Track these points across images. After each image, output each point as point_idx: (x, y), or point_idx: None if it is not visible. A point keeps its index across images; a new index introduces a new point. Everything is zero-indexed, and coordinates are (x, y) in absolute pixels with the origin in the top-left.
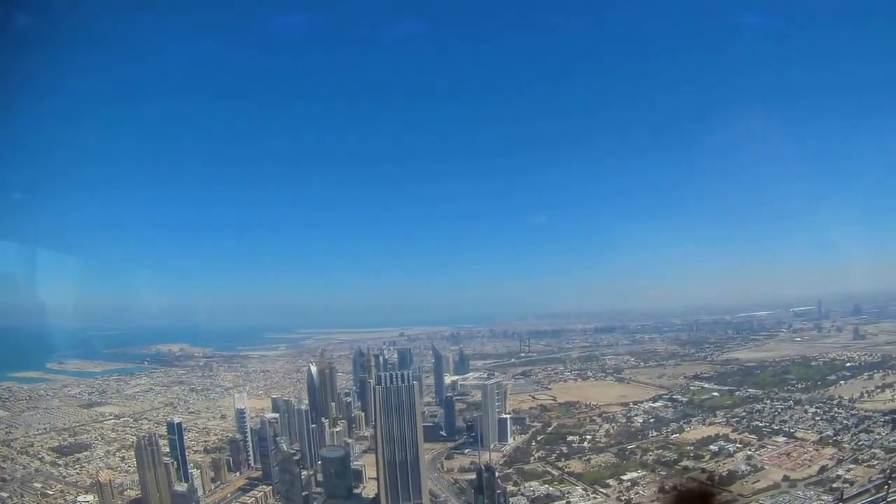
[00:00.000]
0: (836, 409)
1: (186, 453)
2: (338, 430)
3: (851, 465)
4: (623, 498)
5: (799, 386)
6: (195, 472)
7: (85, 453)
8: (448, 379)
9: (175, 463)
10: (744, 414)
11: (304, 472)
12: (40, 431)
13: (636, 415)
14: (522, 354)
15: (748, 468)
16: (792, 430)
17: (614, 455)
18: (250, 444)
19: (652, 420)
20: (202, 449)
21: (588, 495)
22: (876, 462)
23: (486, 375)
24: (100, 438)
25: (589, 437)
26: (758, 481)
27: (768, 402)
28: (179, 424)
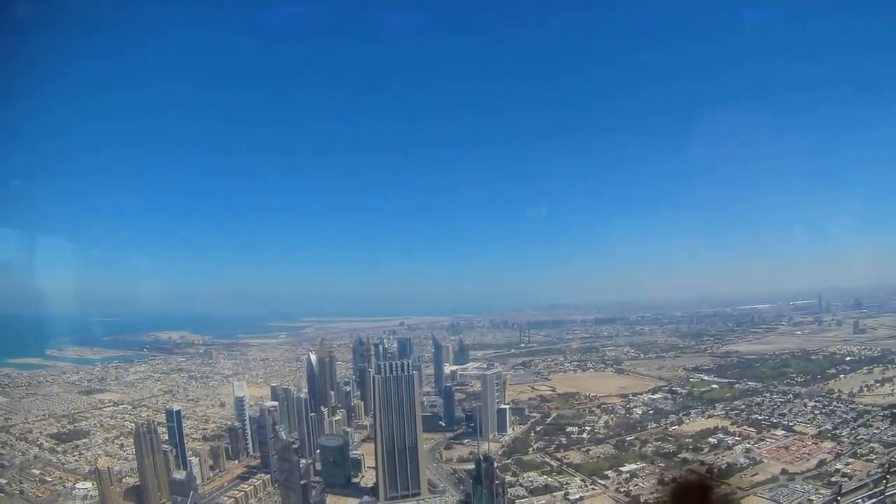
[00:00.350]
0: (835, 403)
1: (185, 441)
2: (337, 418)
3: (850, 460)
4: (622, 490)
5: (798, 379)
6: (194, 460)
7: (84, 440)
8: (448, 369)
9: (174, 450)
10: (743, 407)
11: (303, 461)
12: (39, 418)
13: (635, 406)
14: (522, 345)
15: (747, 461)
16: (791, 424)
17: (613, 446)
18: (249, 432)
19: (651, 412)
20: (201, 437)
21: (587, 486)
22: (875, 456)
23: (485, 366)
24: (99, 425)
25: (588, 428)
26: (756, 474)
27: (768, 395)
28: (178, 412)
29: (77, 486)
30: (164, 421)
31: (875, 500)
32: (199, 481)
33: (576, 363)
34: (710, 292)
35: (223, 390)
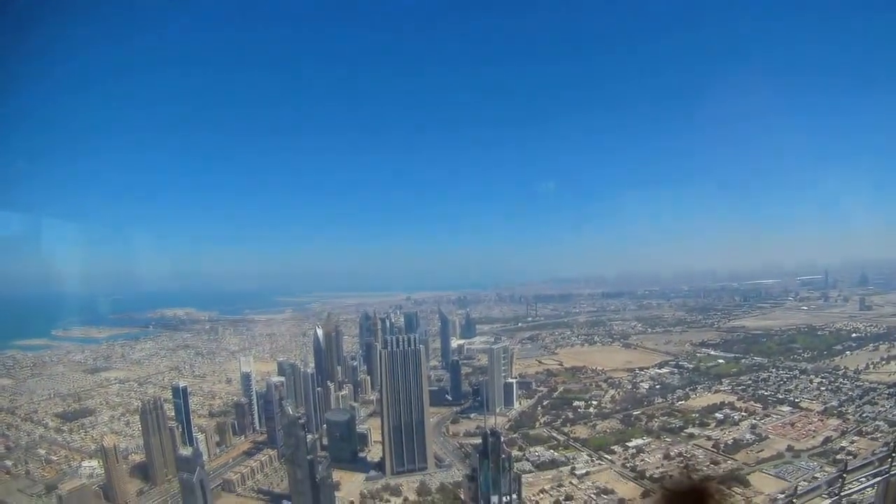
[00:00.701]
0: (841, 380)
1: (191, 417)
2: (343, 393)
3: (855, 437)
4: (628, 465)
5: (805, 355)
6: (200, 436)
7: (89, 418)
8: (454, 343)
9: (180, 427)
10: (749, 382)
11: (310, 436)
12: (45, 398)
13: (642, 381)
14: (529, 319)
15: (753, 437)
16: (797, 400)
17: (620, 421)
18: (255, 408)
19: (658, 386)
20: (207, 413)
21: (593, 461)
22: (880, 435)
23: (492, 339)
24: (104, 403)
25: (595, 402)
26: (762, 451)
27: (774, 370)
28: (184, 388)
29: (83, 464)
30: (171, 398)
31: (880, 478)
32: (205, 457)
33: (583, 337)
34: (717, 267)
35: (229, 366)
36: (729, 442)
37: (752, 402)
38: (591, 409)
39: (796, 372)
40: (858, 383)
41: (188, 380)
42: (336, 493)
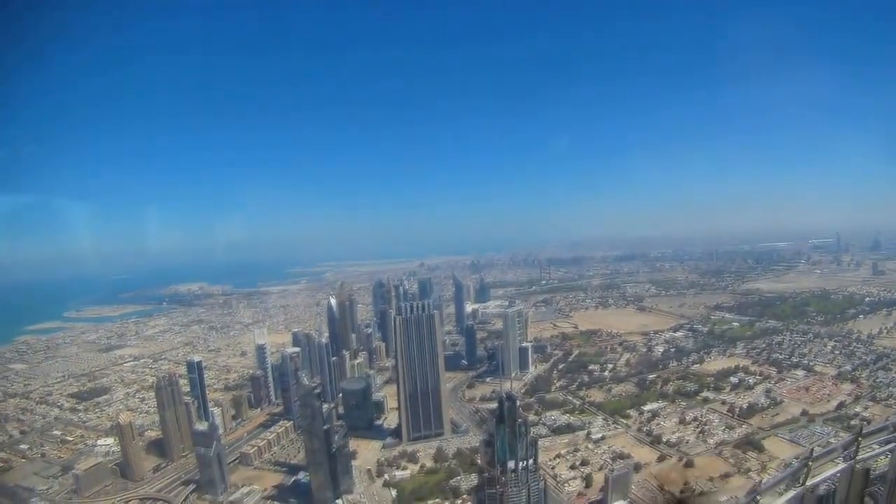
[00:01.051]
0: (854, 344)
1: (207, 391)
2: (359, 361)
3: (869, 403)
4: (643, 429)
5: (818, 319)
6: (216, 410)
7: (104, 397)
8: (469, 307)
9: (195, 402)
10: (763, 346)
11: (325, 406)
12: (58, 380)
13: (657, 344)
14: (543, 282)
15: (767, 401)
16: (811, 364)
17: (635, 385)
18: (271, 380)
19: (672, 350)
20: (223, 386)
21: (608, 425)
22: (893, 401)
23: (507, 303)
24: (119, 381)
25: (610, 366)
26: (777, 415)
27: (788, 334)
28: (199, 363)
29: (98, 442)
30: (185, 373)
31: (894, 444)
32: (221, 431)
33: (597, 300)
34: (729, 229)
35: (244, 339)
36: (744, 406)
37: (766, 366)
38: (607, 373)
39: (810, 336)
40: (872, 348)
41: (203, 354)
42: (353, 462)
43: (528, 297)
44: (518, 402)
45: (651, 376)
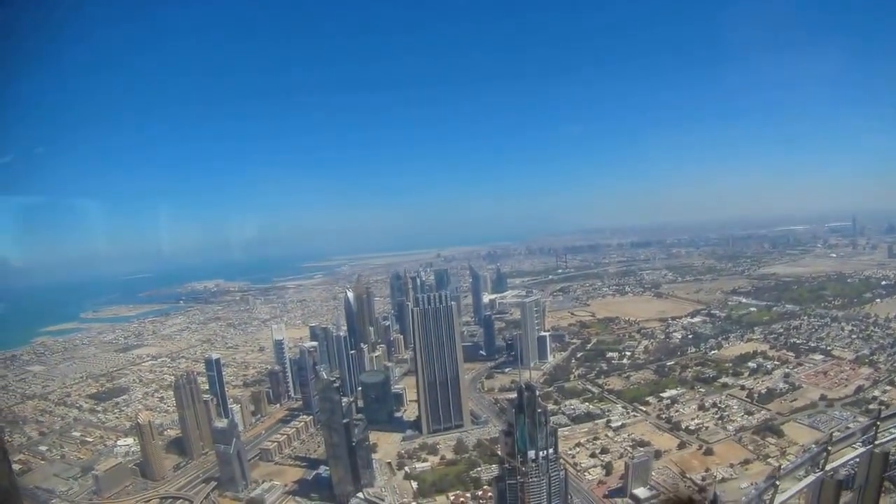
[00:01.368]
0: (871, 328)
1: (226, 388)
2: (377, 354)
3: (887, 387)
4: (663, 416)
5: (835, 303)
6: (235, 407)
7: (123, 397)
8: (486, 298)
9: (214, 399)
10: (781, 330)
11: (345, 399)
12: (77, 381)
13: (675, 330)
14: (560, 271)
15: (786, 386)
16: (828, 348)
17: (653, 372)
18: (290, 375)
19: (690, 336)
20: (242, 383)
21: (628, 413)
22: None
23: (524, 293)
24: (137, 381)
25: (628, 353)
26: (795, 400)
27: (805, 318)
28: (217, 360)
29: (118, 443)
30: (204, 370)
31: None
32: (241, 428)
33: (614, 287)
34: (745, 213)
35: (262, 335)
36: (762, 391)
37: (784, 351)
38: (625, 361)
39: (827, 319)
40: (889, 331)
41: (221, 351)
42: (373, 455)
43: (545, 286)
44: (537, 392)
45: (669, 363)
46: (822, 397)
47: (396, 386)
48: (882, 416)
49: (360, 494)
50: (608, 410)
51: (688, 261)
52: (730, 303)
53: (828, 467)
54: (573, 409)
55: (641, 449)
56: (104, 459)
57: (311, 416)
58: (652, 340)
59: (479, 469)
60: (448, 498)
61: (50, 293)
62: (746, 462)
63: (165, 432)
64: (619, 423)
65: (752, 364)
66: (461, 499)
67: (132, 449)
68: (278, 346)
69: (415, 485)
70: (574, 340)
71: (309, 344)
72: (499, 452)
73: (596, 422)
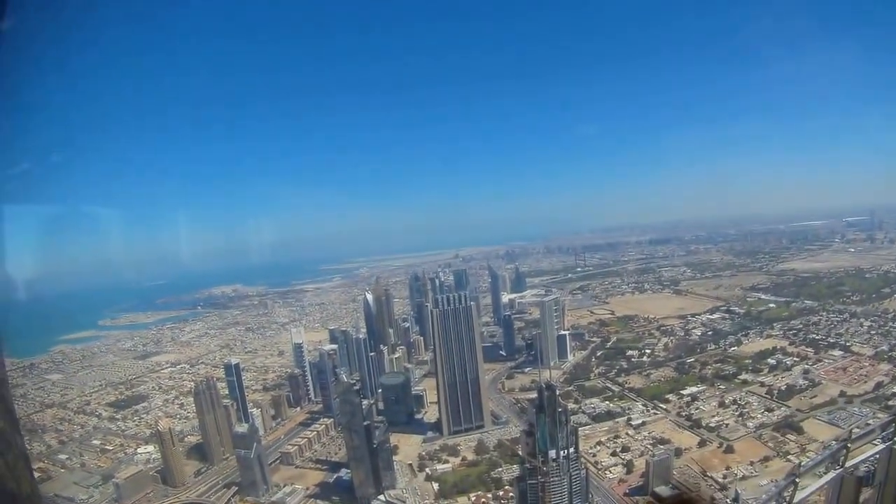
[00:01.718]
0: (890, 324)
1: (246, 393)
2: (397, 356)
3: None
4: (683, 414)
5: (854, 298)
6: (255, 412)
7: (143, 404)
8: (505, 297)
9: (234, 404)
10: (800, 326)
11: (365, 402)
12: (96, 389)
13: (694, 327)
14: (578, 269)
15: (805, 382)
16: (848, 344)
17: (673, 369)
18: (310, 378)
19: (710, 333)
20: (261, 387)
21: (648, 411)
22: None
23: (543, 292)
24: (157, 388)
25: (648, 351)
26: (815, 396)
27: (824, 314)
28: (237, 365)
29: (139, 450)
30: (223, 376)
31: None
32: (261, 432)
33: (633, 285)
34: (763, 209)
35: (281, 339)
36: (782, 388)
37: (803, 347)
38: (645, 358)
39: (846, 315)
40: None
41: (240, 356)
42: (394, 457)
43: (564, 284)
44: (558, 391)
45: (689, 360)
46: (842, 394)
47: (417, 387)
48: None
49: (381, 497)
50: (628, 408)
51: (706, 257)
52: (749, 299)
53: (848, 464)
54: (593, 407)
55: (662, 447)
56: (125, 467)
57: (331, 419)
58: (672, 338)
59: (500, 469)
60: (469, 499)
61: (68, 301)
62: (766, 459)
63: (186, 438)
64: (640, 421)
65: (771, 360)
66: (482, 499)
67: (153, 456)
68: (297, 349)
69: (436, 486)
70: (594, 339)
71: (328, 347)
72: (520, 452)
73: (616, 420)
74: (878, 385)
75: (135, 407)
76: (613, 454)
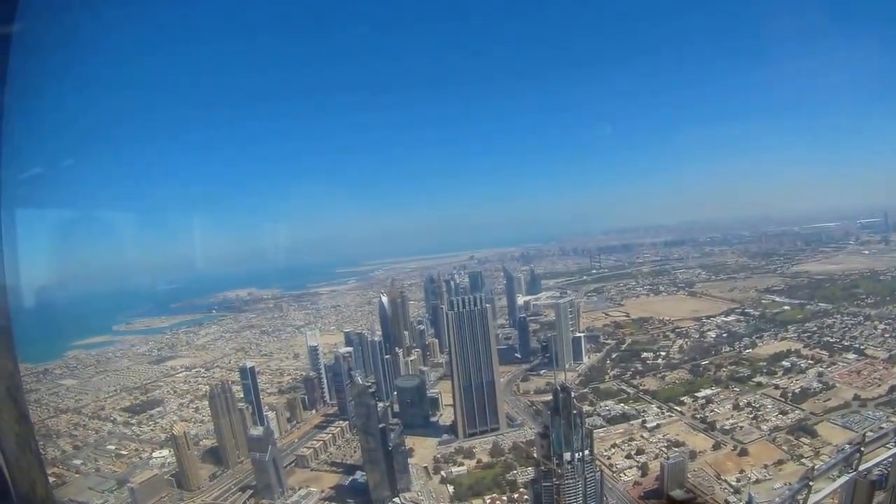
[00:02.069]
0: None
1: (261, 396)
2: (412, 358)
3: None
4: (698, 416)
5: (868, 301)
6: (270, 415)
7: (158, 409)
8: (520, 300)
9: (250, 407)
10: (815, 329)
11: (380, 404)
12: (111, 394)
13: (709, 330)
14: (593, 271)
15: (819, 385)
16: (862, 347)
17: (688, 371)
18: (325, 381)
19: (724, 335)
20: (277, 390)
21: (663, 414)
22: None
23: (558, 294)
24: (172, 392)
25: (663, 353)
26: (829, 399)
27: (838, 316)
28: (252, 368)
29: (153, 455)
30: (239, 379)
31: None
32: (277, 435)
33: (648, 287)
34: (777, 210)
35: (296, 342)
36: (796, 391)
37: (817, 350)
38: (660, 361)
39: (860, 318)
40: None
41: (255, 359)
42: (409, 460)
43: (579, 286)
44: (573, 394)
45: (704, 362)
46: (856, 397)
47: (432, 390)
48: None
49: (396, 499)
50: (643, 411)
51: (721, 259)
52: (763, 301)
53: (861, 468)
54: (608, 410)
55: (676, 449)
56: (139, 472)
57: (346, 422)
58: (686, 340)
59: (514, 472)
60: (484, 501)
61: (82, 306)
62: (780, 462)
63: (201, 442)
64: (655, 424)
65: (785, 363)
66: (497, 502)
67: (168, 460)
68: (313, 352)
69: (451, 489)
70: (609, 341)
71: (344, 349)
72: (534, 455)
73: (631, 422)
74: (893, 388)
75: (150, 411)
76: (628, 457)
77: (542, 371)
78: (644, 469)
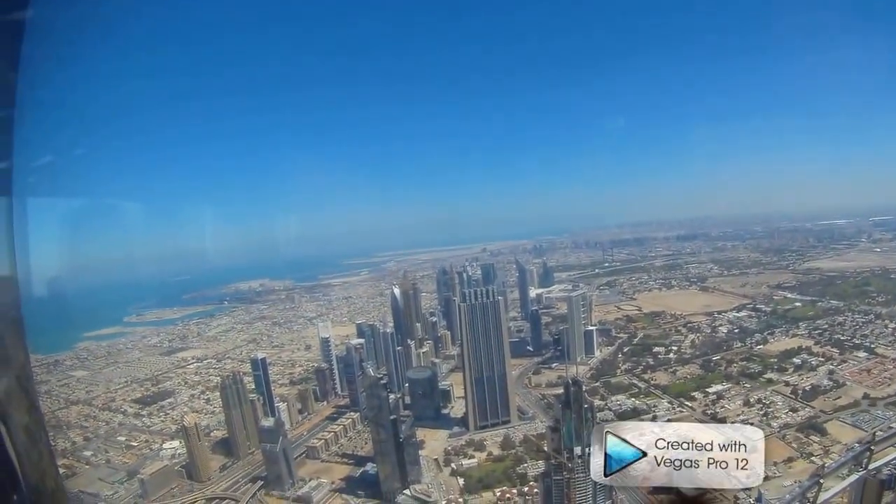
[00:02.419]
0: None
1: (272, 387)
2: (424, 350)
3: None
4: (708, 412)
5: (879, 299)
6: (282, 406)
7: (168, 400)
8: (533, 292)
9: (261, 398)
10: (826, 326)
11: (392, 396)
12: (121, 385)
13: (720, 325)
14: (606, 264)
15: (830, 383)
16: (872, 346)
17: (699, 366)
18: (336, 372)
19: (736, 330)
20: (288, 381)
21: (674, 409)
22: None
23: (570, 287)
24: (183, 384)
25: (674, 348)
26: (839, 398)
27: (849, 314)
28: (263, 360)
29: (164, 446)
30: (250, 370)
31: None
32: (288, 426)
33: (660, 281)
34: (789, 206)
35: (308, 333)
36: (807, 388)
37: (828, 347)
38: (671, 355)
39: (871, 316)
40: None
41: (267, 350)
42: (420, 452)
43: (591, 280)
44: (584, 387)
45: (715, 357)
46: (866, 396)
47: (443, 382)
48: None
49: (407, 491)
50: (654, 406)
51: (733, 254)
52: (775, 297)
53: (871, 466)
54: (619, 404)
55: None
56: (150, 463)
57: (357, 414)
58: (698, 335)
59: (525, 465)
60: (494, 494)
61: (92, 297)
62: (790, 460)
63: (212, 433)
64: (665, 419)
65: (796, 360)
66: (507, 495)
67: (178, 451)
68: (324, 343)
69: (461, 481)
70: (620, 335)
71: (355, 341)
72: (545, 448)
73: (642, 417)
74: None
75: (160, 403)
76: None
77: (554, 364)
78: None
